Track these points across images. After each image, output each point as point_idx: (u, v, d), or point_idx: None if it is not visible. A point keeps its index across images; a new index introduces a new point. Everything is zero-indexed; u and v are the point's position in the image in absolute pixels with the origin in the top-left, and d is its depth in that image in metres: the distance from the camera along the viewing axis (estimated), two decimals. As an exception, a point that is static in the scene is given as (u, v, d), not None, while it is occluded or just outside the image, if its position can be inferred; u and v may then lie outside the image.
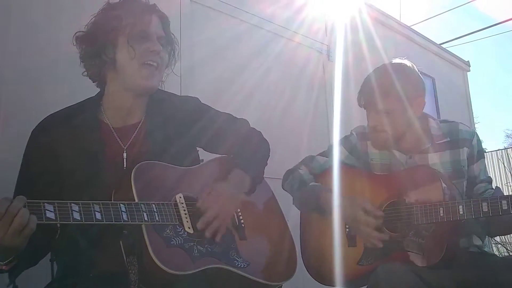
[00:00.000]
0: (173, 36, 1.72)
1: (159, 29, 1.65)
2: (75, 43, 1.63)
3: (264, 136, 1.90)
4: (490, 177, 2.00)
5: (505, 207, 1.67)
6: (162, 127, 1.67)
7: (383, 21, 4.83)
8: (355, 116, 3.76)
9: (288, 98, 3.60)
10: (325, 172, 2.11)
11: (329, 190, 1.98)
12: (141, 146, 1.62)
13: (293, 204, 2.11)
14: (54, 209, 1.27)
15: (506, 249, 6.45)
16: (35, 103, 2.17)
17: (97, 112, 1.65)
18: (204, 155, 1.83)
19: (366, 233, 1.86)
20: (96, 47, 1.59)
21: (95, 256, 1.48)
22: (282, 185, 2.15)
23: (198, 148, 1.82)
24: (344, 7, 4.20)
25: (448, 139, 1.98)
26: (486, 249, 1.96)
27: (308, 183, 2.07)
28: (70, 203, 1.30)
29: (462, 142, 1.97)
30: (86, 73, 1.66)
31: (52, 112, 1.65)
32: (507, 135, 24.18)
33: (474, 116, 6.59)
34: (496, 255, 2.09)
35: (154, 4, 1.67)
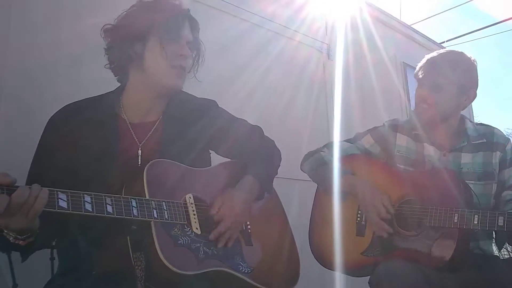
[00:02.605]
0: (200, 42, 1.75)
1: (188, 34, 1.68)
2: (103, 35, 1.65)
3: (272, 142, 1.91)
4: None
5: None
6: (178, 127, 1.68)
7: (384, 20, 4.81)
8: (355, 115, 3.79)
9: (288, 97, 3.59)
10: (347, 156, 2.11)
11: (350, 173, 2.00)
12: (156, 144, 1.63)
13: (311, 178, 2.14)
14: (67, 198, 1.28)
15: (506, 249, 6.43)
16: (35, 103, 2.17)
17: (115, 106, 1.66)
18: (216, 158, 1.85)
19: (376, 221, 1.87)
20: (124, 42, 1.61)
21: (98, 254, 1.49)
22: (300, 166, 2.17)
23: (210, 151, 1.83)
24: (345, 6, 4.19)
25: (484, 140, 2.00)
26: (489, 252, 1.97)
27: (329, 164, 2.07)
28: (83, 194, 1.31)
29: (496, 146, 2.00)
30: (109, 65, 1.67)
31: (69, 103, 1.66)
32: (507, 135, 24.17)
33: (474, 115, 6.58)
34: (497, 256, 2.09)
35: (188, 8, 1.70)
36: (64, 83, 2.29)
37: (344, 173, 2.01)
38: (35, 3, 2.31)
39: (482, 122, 2.14)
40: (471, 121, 2.09)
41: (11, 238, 1.32)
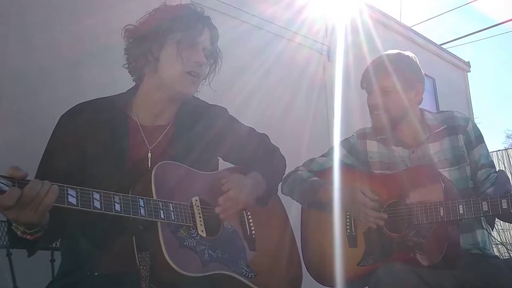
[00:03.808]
0: (218, 50, 1.76)
1: (206, 41, 1.68)
2: (123, 35, 1.65)
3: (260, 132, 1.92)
4: (492, 161, 2.03)
5: (505, 206, 1.70)
6: (189, 132, 1.69)
7: (384, 22, 4.82)
8: (355, 117, 3.79)
9: (288, 98, 3.60)
10: (324, 170, 2.13)
11: (329, 183, 2.00)
12: (166, 148, 1.64)
13: (293, 199, 2.13)
14: (76, 195, 1.28)
15: (507, 249, 6.45)
16: (34, 105, 2.17)
17: (127, 108, 1.67)
18: (222, 164, 1.85)
19: (365, 213, 1.88)
20: (142, 43, 1.62)
21: (102, 254, 1.49)
22: (281, 189, 2.14)
23: (218, 158, 1.84)
24: (345, 8, 4.20)
25: (445, 126, 2.04)
26: (488, 251, 1.96)
27: (308, 179, 2.09)
28: (92, 191, 1.31)
29: (458, 128, 2.03)
30: (127, 65, 1.68)
31: (83, 101, 1.66)
32: (507, 136, 24.14)
33: (474, 117, 6.59)
34: (497, 256, 2.09)
35: (208, 16, 1.71)
36: (62, 86, 2.29)
37: (321, 185, 2.02)
38: (33, 6, 2.31)
39: (441, 110, 2.16)
40: (429, 112, 2.11)
41: (19, 232, 1.33)
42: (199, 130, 1.71)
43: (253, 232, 1.69)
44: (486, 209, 1.72)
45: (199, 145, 1.69)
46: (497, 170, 1.99)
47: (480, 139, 2.03)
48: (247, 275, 1.59)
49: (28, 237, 1.34)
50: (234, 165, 1.86)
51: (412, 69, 2.05)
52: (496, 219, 1.94)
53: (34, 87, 2.23)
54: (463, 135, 2.01)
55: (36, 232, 1.34)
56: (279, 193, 1.98)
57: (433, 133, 2.03)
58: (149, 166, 1.59)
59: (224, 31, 3.21)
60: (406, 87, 2.01)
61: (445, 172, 1.95)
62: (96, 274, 1.48)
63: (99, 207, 1.31)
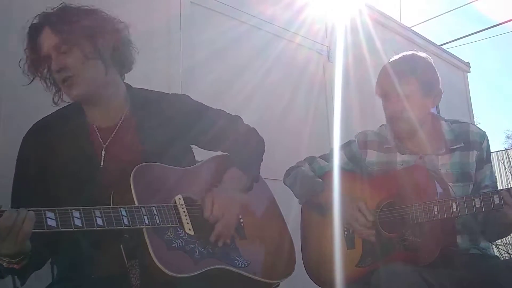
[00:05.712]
0: (86, 27, 1.55)
1: (50, 39, 1.54)
2: None
3: (260, 134, 1.90)
4: (495, 181, 1.97)
5: (497, 201, 1.68)
6: (145, 125, 1.64)
7: (383, 22, 4.83)
8: (355, 117, 3.79)
9: (288, 99, 3.60)
10: (324, 175, 2.12)
11: (330, 189, 1.98)
12: (121, 145, 1.60)
13: (293, 192, 2.12)
14: (55, 217, 1.27)
15: (507, 250, 6.43)
16: (34, 105, 2.16)
17: (84, 113, 1.64)
18: (200, 153, 1.83)
19: (358, 230, 1.89)
20: None
21: (97, 258, 1.48)
22: (283, 181, 2.15)
23: (192, 146, 1.80)
24: (344, 8, 4.20)
25: (462, 144, 1.94)
26: (488, 252, 1.96)
27: (312, 177, 2.08)
28: (71, 209, 1.29)
29: (473, 144, 1.95)
30: None
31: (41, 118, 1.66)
32: (507, 136, 24.20)
33: (474, 117, 6.59)
34: (497, 257, 2.08)
35: (40, 14, 1.63)
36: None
37: (323, 188, 2.01)
38: (33, 6, 2.31)
39: (457, 120, 2.04)
40: (445, 121, 2.01)
41: (4, 263, 1.31)
42: (159, 121, 1.66)
43: (241, 220, 1.68)
44: (479, 205, 1.71)
45: (162, 137, 1.64)
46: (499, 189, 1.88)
47: (488, 158, 1.97)
48: (239, 264, 1.58)
49: (15, 266, 1.33)
50: (211, 151, 1.82)
51: (430, 71, 1.96)
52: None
53: (34, 87, 2.23)
54: (478, 152, 1.94)
55: (21, 260, 1.33)
56: (275, 187, 1.96)
57: (448, 149, 1.94)
58: (102, 165, 1.57)
59: (224, 31, 3.25)
60: (426, 90, 1.92)
61: (448, 187, 1.90)
62: (92, 276, 1.47)
63: (81, 225, 1.29)
